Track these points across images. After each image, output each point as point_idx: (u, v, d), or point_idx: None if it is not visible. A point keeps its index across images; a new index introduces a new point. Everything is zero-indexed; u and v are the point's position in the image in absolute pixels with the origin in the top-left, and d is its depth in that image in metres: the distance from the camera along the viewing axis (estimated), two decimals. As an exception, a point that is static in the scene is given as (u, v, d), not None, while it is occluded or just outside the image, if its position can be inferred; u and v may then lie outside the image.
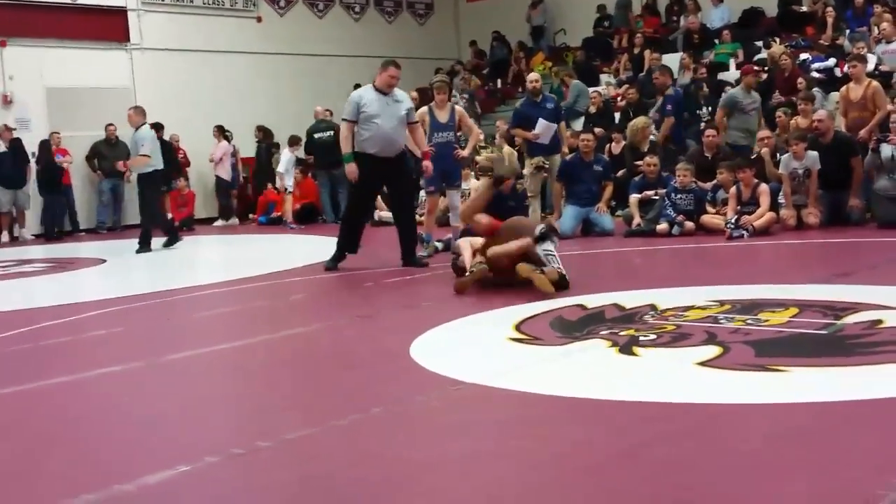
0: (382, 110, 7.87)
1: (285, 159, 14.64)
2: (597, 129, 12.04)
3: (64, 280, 9.74)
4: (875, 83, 10.16)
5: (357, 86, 18.38)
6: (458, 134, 9.66)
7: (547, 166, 10.15)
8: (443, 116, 8.93)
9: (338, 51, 18.61)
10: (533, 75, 10.95)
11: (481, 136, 11.25)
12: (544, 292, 6.05)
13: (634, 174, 10.96)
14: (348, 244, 8.27)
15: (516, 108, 11.00)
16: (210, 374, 4.78)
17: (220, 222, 16.18)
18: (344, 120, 8.05)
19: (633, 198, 9.93)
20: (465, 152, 9.26)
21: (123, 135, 15.64)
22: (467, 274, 6.52)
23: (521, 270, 6.29)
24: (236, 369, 4.82)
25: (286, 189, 14.58)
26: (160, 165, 11.48)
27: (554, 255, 6.47)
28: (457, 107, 9.37)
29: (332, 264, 8.25)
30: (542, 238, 6.48)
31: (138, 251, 11.30)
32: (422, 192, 10.05)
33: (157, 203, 11.99)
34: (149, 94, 16.23)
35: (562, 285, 6.26)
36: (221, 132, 16.16)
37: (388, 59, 8.36)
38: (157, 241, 11.55)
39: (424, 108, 9.09)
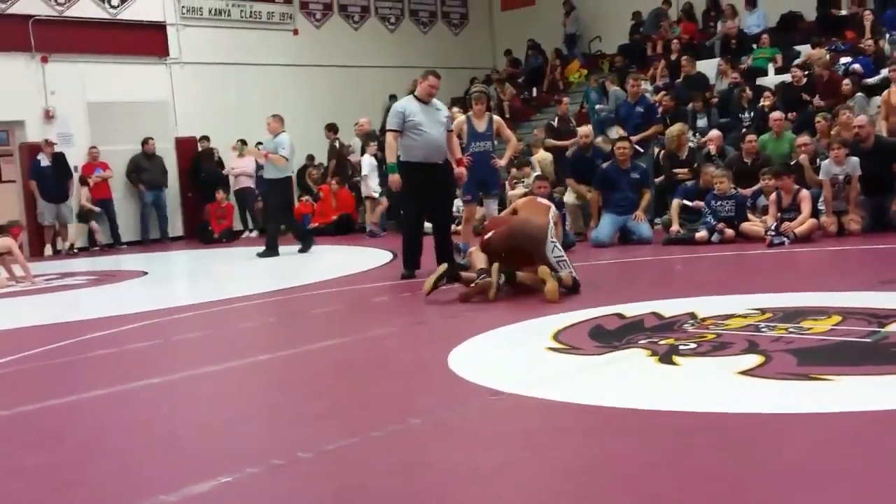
0: (426, 118, 7.96)
1: (367, 162, 14.49)
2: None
3: (106, 292, 9.86)
4: None
5: (393, 97, 18.65)
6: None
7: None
8: (481, 126, 8.98)
9: (374, 62, 18.74)
10: (583, 130, 11.14)
11: (519, 146, 11.27)
12: (549, 299, 6.23)
13: (673, 181, 10.91)
14: (411, 258, 8.25)
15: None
16: (249, 385, 4.81)
17: (254, 233, 16.26)
18: (389, 130, 8.13)
19: (676, 202, 9.84)
20: (502, 161, 9.29)
21: (161, 149, 15.95)
22: (472, 285, 6.63)
23: (542, 273, 6.44)
24: (275, 380, 4.85)
25: (375, 194, 14.32)
26: (289, 173, 11.89)
27: (566, 261, 6.64)
28: (495, 116, 9.39)
29: (409, 272, 8.24)
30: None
31: (262, 255, 11.55)
32: (457, 201, 10.04)
33: (288, 209, 12.30)
34: (188, 107, 16.49)
35: (574, 290, 6.54)
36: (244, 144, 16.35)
37: (428, 69, 8.42)
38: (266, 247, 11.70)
39: (462, 118, 9.15)
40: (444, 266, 7.02)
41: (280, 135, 11.66)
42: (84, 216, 15.13)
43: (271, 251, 11.60)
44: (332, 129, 16.12)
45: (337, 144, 15.90)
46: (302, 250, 11.83)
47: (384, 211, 14.31)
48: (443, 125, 8.06)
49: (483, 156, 8.92)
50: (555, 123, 13.85)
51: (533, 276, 6.55)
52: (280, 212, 12.00)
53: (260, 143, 16.30)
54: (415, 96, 8.17)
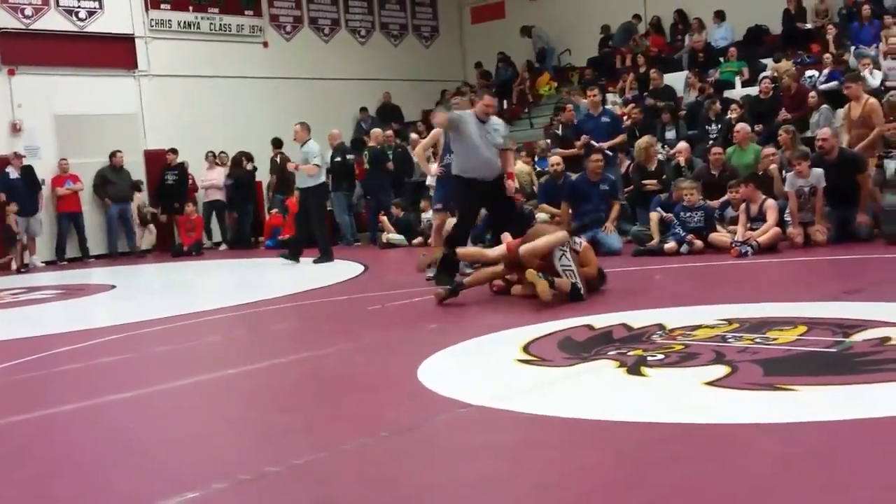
0: (481, 139, 8.03)
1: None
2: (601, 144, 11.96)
3: (74, 306, 9.77)
4: (872, 101, 10.16)
5: (364, 109, 18.66)
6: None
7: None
8: None
9: (344, 74, 18.72)
10: (554, 158, 11.21)
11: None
12: (543, 300, 6.35)
13: (642, 193, 10.98)
14: (452, 268, 8.24)
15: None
16: (218, 399, 4.78)
17: (223, 247, 16.21)
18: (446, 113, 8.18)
19: (654, 215, 9.90)
20: None
21: (129, 161, 15.84)
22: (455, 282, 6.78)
23: (528, 276, 6.54)
24: (244, 395, 4.83)
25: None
26: (324, 179, 11.98)
27: (572, 270, 6.69)
28: None
29: (453, 287, 8.22)
30: (579, 230, 6.70)
31: (317, 261, 11.64)
32: (430, 212, 10.08)
33: (322, 216, 12.24)
34: (156, 120, 16.38)
35: (574, 296, 6.59)
36: (215, 157, 16.30)
37: (484, 88, 8.56)
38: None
39: (439, 130, 9.16)
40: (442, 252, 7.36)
41: (307, 143, 11.80)
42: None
43: (326, 256, 11.75)
44: (276, 144, 16.15)
45: (279, 159, 15.92)
46: (318, 260, 11.77)
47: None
48: (497, 145, 8.13)
49: None
50: (559, 132, 13.65)
51: (532, 273, 6.59)
52: (321, 217, 12.10)
53: (223, 153, 16.39)
54: (475, 114, 8.22)
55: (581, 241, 7.17)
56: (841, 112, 11.88)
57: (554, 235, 6.89)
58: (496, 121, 8.28)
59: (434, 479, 3.15)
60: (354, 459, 3.40)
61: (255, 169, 16.40)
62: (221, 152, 16.51)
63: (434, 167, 9.17)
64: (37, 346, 6.71)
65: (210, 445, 3.85)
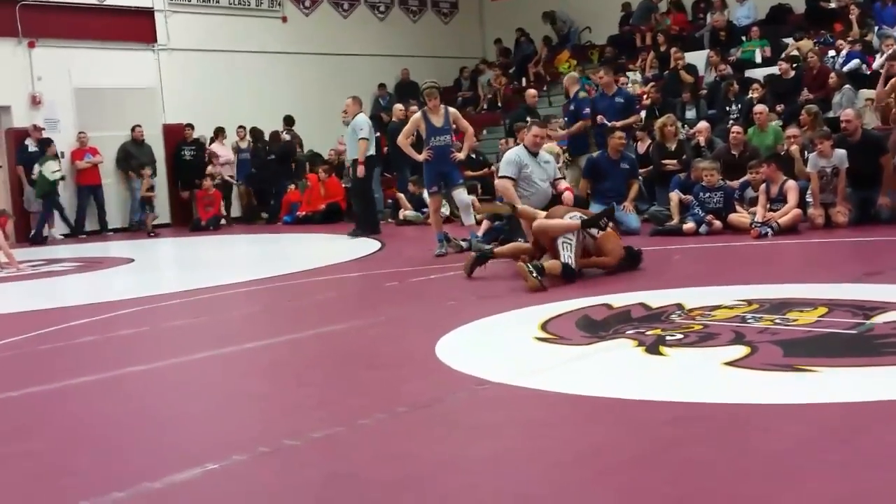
0: (537, 171, 8.17)
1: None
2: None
3: (93, 279, 9.82)
4: None
5: (381, 85, 18.61)
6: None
7: None
8: (438, 121, 9.11)
9: (363, 50, 18.66)
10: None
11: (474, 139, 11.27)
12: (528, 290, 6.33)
13: (662, 173, 10.92)
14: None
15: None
16: (236, 373, 4.80)
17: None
18: (505, 177, 8.16)
19: (674, 195, 9.85)
20: (461, 154, 9.43)
21: (148, 136, 15.88)
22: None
23: (519, 269, 6.55)
24: (262, 369, 4.84)
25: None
26: (373, 151, 11.84)
27: (570, 244, 6.67)
28: (450, 109, 9.43)
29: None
30: (589, 224, 6.78)
31: (358, 235, 11.52)
32: (425, 193, 10.15)
33: (369, 189, 12.15)
34: (175, 94, 16.40)
35: (567, 274, 6.57)
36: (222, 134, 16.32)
37: (532, 120, 8.90)
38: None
39: (418, 114, 9.26)
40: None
41: (357, 117, 11.63)
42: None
43: (365, 230, 11.66)
44: (287, 122, 16.24)
45: (290, 137, 15.93)
46: (352, 234, 11.73)
47: None
48: (550, 176, 8.25)
49: (443, 149, 9.10)
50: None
51: (521, 268, 6.55)
52: (370, 190, 12.01)
53: (241, 127, 16.39)
54: (525, 147, 8.32)
55: (570, 241, 6.83)
56: (864, 92, 11.78)
57: (567, 223, 6.82)
58: (545, 154, 8.42)
59: (451, 455, 3.16)
60: (372, 434, 3.41)
61: (294, 139, 16.33)
62: (240, 127, 16.50)
63: (423, 153, 9.17)
64: (55, 318, 6.75)
65: (228, 418, 3.86)
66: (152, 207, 15.69)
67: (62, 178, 14.68)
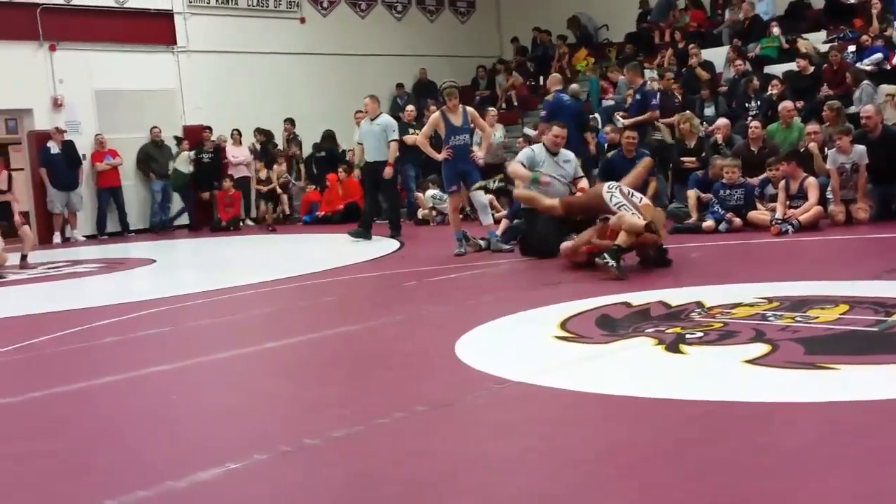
0: (553, 172, 8.25)
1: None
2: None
3: (115, 280, 9.89)
4: None
5: (399, 85, 18.62)
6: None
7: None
8: (457, 120, 9.16)
9: (380, 50, 18.70)
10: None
11: (495, 135, 11.29)
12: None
13: (680, 170, 10.89)
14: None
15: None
16: (257, 372, 4.83)
17: (250, 223, 16.29)
18: (520, 162, 8.42)
19: (693, 193, 9.82)
20: (480, 153, 9.48)
21: (168, 137, 15.97)
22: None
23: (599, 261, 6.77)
24: (282, 368, 4.87)
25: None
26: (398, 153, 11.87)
27: (625, 205, 6.85)
28: (468, 108, 9.46)
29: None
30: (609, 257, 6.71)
31: (391, 236, 11.55)
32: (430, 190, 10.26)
33: (396, 189, 12.19)
34: (194, 95, 16.49)
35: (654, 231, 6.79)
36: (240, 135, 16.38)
37: (551, 121, 8.92)
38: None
39: (437, 114, 9.26)
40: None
41: (381, 116, 11.57)
42: None
43: (395, 231, 11.67)
44: (290, 123, 16.31)
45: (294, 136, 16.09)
46: (353, 234, 11.61)
47: None
48: (569, 176, 8.37)
49: (462, 149, 9.16)
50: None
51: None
52: (394, 190, 12.06)
53: (258, 129, 16.46)
54: (544, 145, 8.41)
55: (623, 202, 6.99)
56: (884, 88, 11.69)
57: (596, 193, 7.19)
58: (566, 154, 8.48)
59: (470, 454, 3.17)
60: (392, 433, 3.43)
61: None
62: (257, 129, 16.56)
63: (442, 152, 9.20)
64: (78, 318, 6.80)
65: (250, 417, 3.89)
66: (276, 203, 15.86)
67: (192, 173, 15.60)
